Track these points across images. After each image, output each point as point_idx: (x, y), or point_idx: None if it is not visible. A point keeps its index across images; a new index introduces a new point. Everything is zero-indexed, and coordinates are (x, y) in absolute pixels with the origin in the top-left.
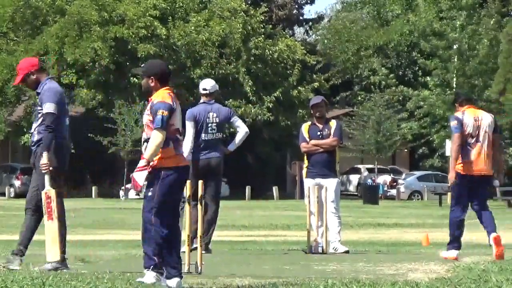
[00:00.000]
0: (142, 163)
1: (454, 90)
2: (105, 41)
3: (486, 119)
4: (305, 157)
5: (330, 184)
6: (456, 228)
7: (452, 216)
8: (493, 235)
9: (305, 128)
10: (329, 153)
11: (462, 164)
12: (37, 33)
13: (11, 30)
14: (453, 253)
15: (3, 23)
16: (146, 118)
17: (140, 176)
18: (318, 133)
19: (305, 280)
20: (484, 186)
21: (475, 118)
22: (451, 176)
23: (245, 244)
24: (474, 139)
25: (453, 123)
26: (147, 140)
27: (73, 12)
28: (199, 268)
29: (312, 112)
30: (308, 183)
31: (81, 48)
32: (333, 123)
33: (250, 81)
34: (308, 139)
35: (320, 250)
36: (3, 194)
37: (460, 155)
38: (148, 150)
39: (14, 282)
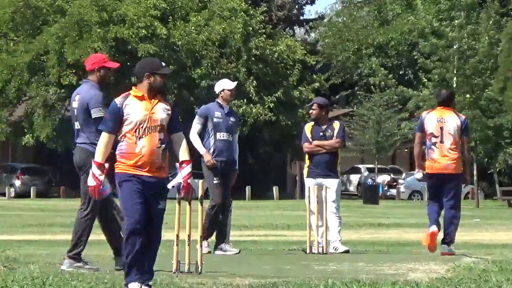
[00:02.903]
0: (189, 168)
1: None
2: (105, 41)
3: (452, 120)
4: (307, 157)
5: (332, 184)
6: (433, 222)
7: (427, 210)
8: (434, 228)
9: (308, 128)
10: (331, 153)
11: (427, 163)
12: (37, 33)
13: (11, 30)
14: (432, 227)
15: (3, 23)
16: (165, 116)
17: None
18: (321, 133)
19: (305, 280)
20: (449, 184)
21: (439, 119)
22: (416, 173)
23: (245, 244)
24: (438, 139)
25: (417, 123)
26: (167, 143)
27: (73, 12)
28: (199, 268)
29: None
30: (309, 182)
31: (81, 48)
32: (336, 124)
33: (254, 81)
34: (310, 139)
35: (320, 250)
36: (3, 194)
37: (426, 154)
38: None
39: (15, 282)
